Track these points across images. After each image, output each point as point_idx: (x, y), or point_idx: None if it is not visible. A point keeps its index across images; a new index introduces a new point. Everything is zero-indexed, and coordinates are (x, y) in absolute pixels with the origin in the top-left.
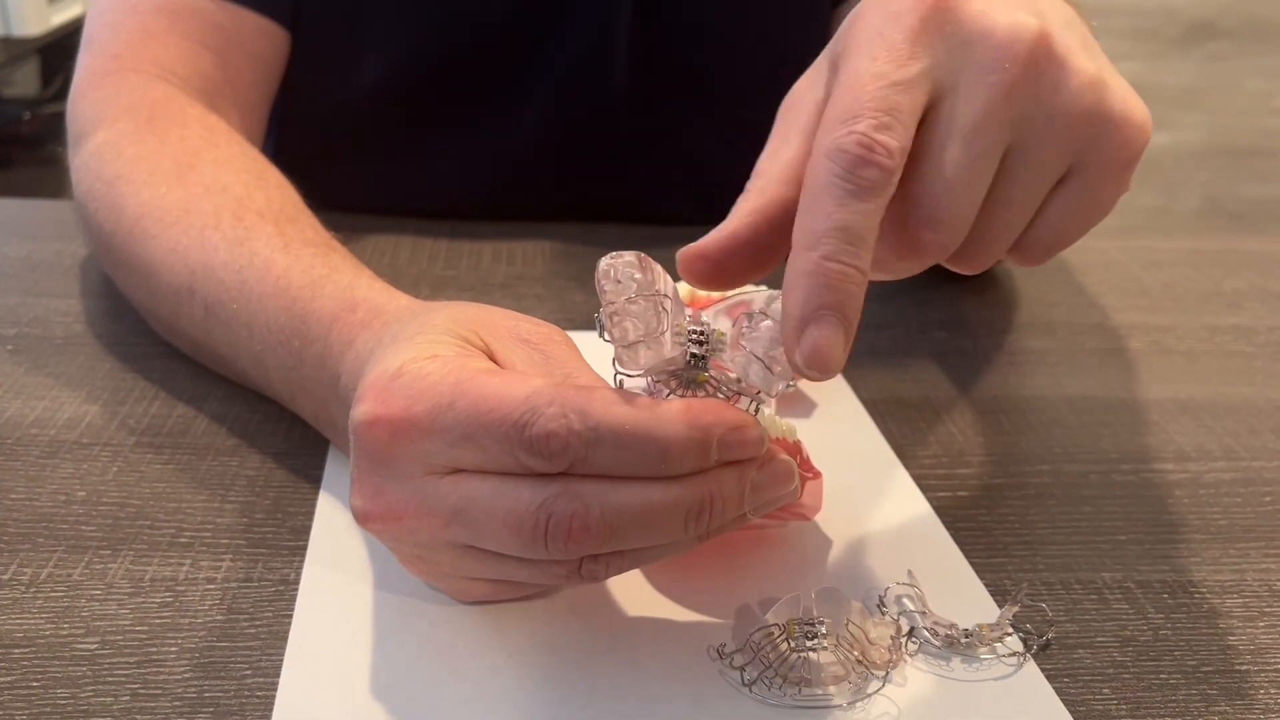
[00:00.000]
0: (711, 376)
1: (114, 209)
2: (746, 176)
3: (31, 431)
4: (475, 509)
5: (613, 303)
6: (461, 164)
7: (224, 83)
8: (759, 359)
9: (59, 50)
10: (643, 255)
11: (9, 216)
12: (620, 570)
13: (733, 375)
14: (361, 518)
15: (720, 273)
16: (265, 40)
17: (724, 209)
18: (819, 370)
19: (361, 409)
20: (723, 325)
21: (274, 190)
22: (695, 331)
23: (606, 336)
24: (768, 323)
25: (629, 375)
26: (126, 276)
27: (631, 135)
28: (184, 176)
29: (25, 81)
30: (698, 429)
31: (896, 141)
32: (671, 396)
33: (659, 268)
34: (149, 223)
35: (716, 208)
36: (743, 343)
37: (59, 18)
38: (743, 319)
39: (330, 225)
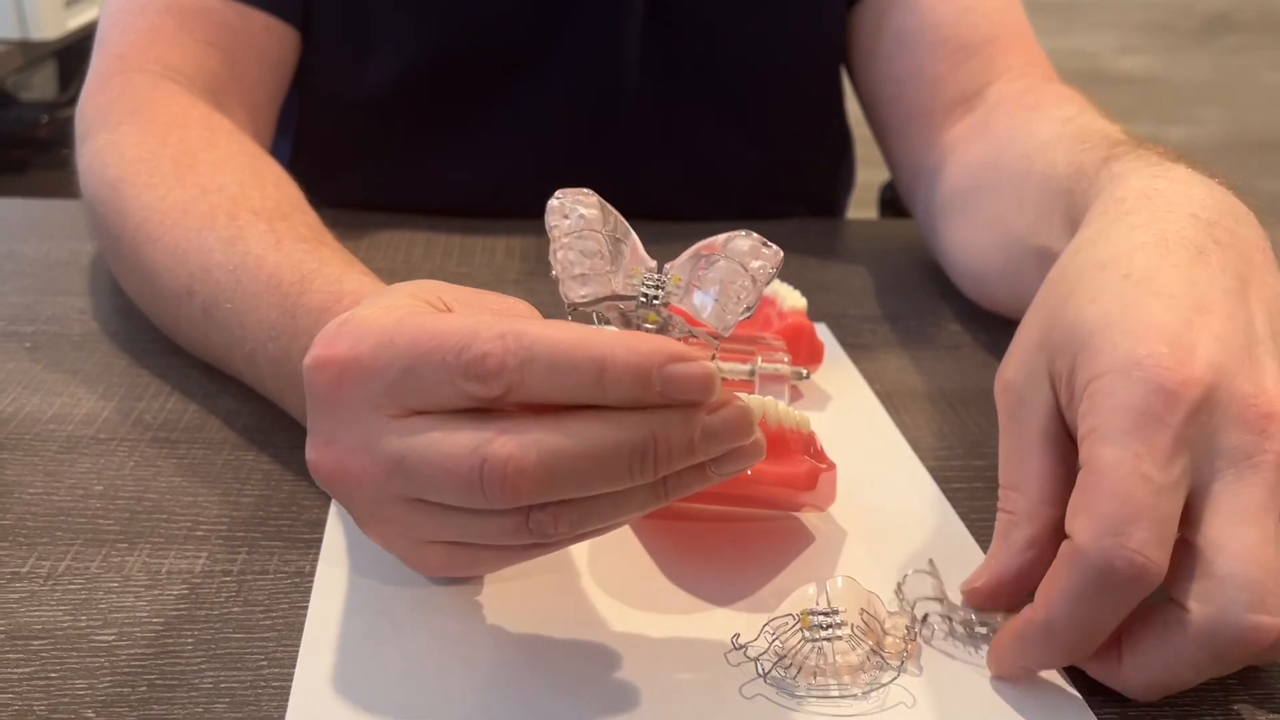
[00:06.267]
0: (665, 318)
1: (118, 213)
2: (757, 174)
3: (49, 427)
4: (414, 456)
5: (559, 235)
6: (474, 161)
7: (231, 81)
8: (711, 295)
9: (76, 54)
10: (596, 195)
11: (27, 217)
12: (573, 526)
13: (686, 320)
14: (314, 470)
15: (1000, 597)
16: (274, 39)
17: (734, 206)
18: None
19: (310, 354)
20: (686, 274)
21: (269, 188)
22: (651, 276)
23: (554, 270)
24: (722, 261)
25: (576, 304)
26: (130, 280)
27: (643, 132)
28: (183, 178)
29: (43, 85)
30: (636, 353)
31: (1166, 555)
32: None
33: (616, 212)
34: (150, 227)
35: (727, 204)
36: (695, 282)
37: (76, 21)
38: (700, 260)
39: (343, 223)
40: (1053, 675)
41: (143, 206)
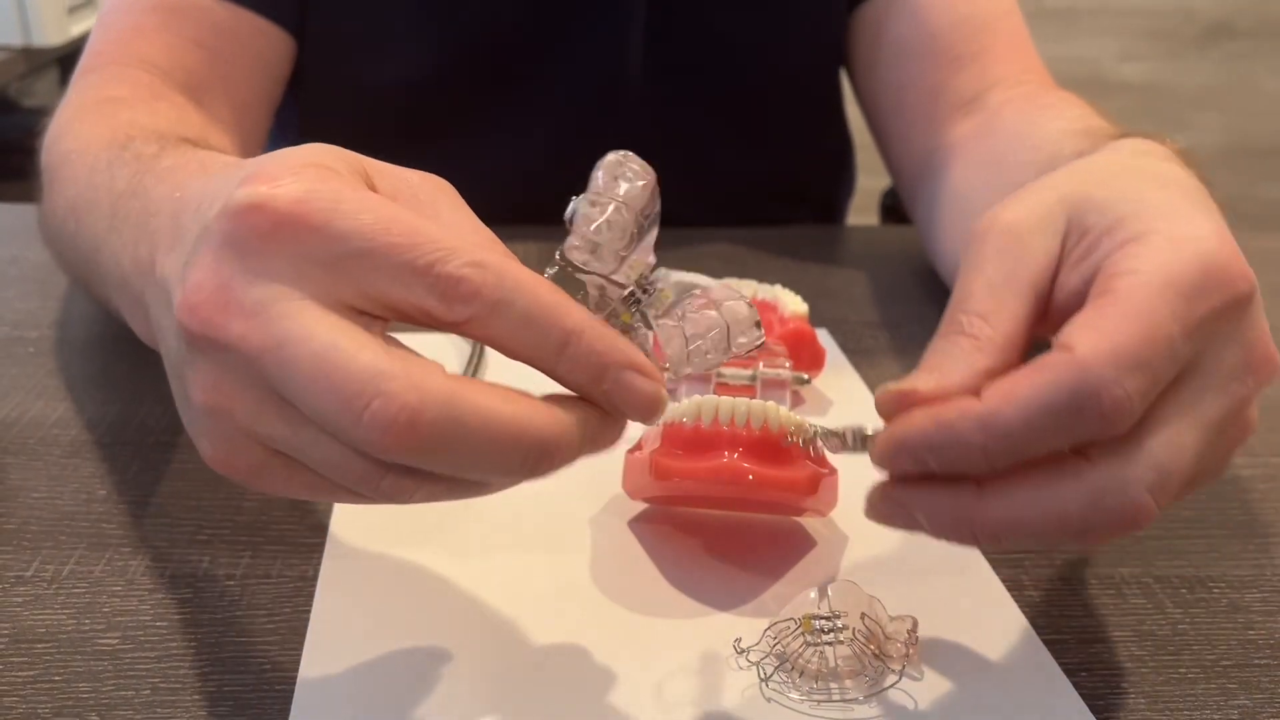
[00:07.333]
0: (635, 325)
1: (44, 184)
2: (759, 179)
3: (54, 431)
4: (303, 349)
5: (600, 194)
6: (475, 169)
7: (214, 80)
8: (685, 337)
9: (78, 60)
10: (655, 176)
11: (30, 222)
12: (428, 499)
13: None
14: (186, 309)
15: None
16: (265, 41)
17: (736, 211)
18: (878, 462)
19: (246, 190)
20: (673, 290)
21: (189, 126)
22: (646, 280)
23: (570, 218)
24: (714, 314)
25: (571, 263)
26: (51, 245)
27: (645, 139)
28: (98, 125)
29: (46, 91)
30: (604, 342)
31: (1142, 407)
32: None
33: (659, 200)
34: (58, 175)
35: (730, 210)
36: (677, 314)
37: (79, 28)
38: (693, 298)
39: None
40: (1054, 677)
41: (56, 156)
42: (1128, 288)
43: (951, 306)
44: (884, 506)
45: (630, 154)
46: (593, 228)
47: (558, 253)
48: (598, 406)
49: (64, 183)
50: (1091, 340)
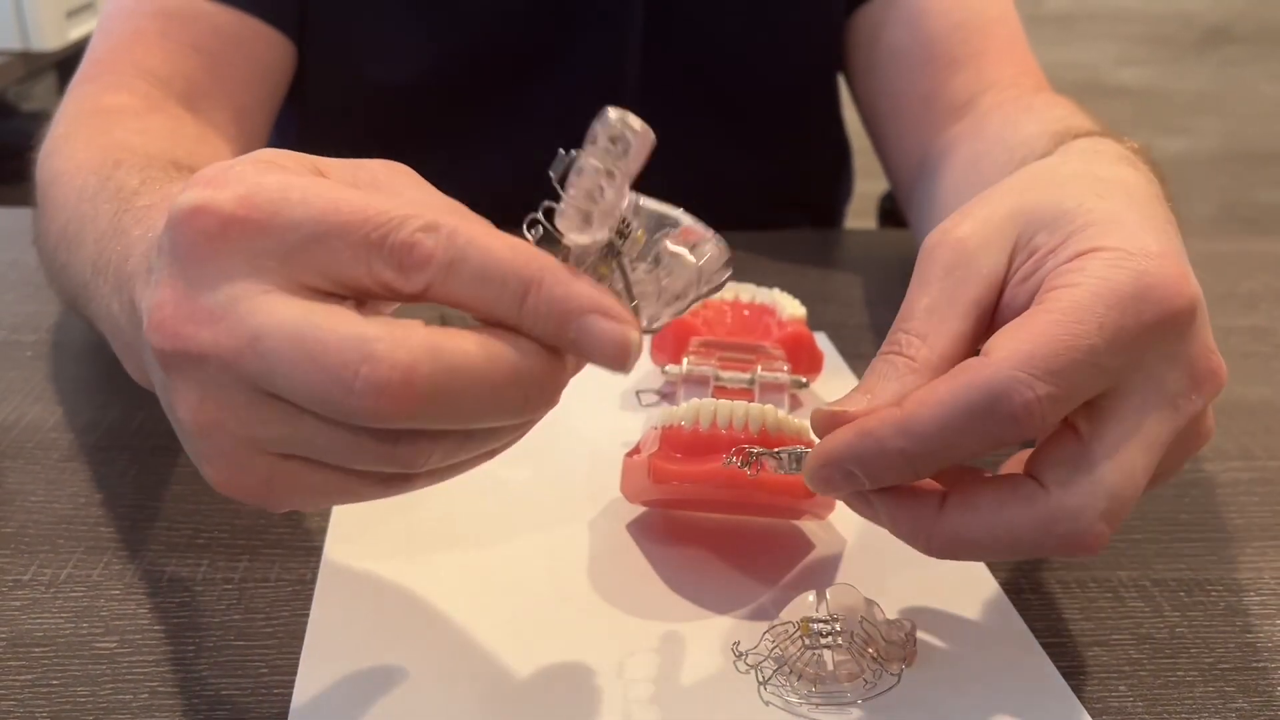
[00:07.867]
0: (611, 274)
1: (39, 200)
2: (757, 184)
3: (51, 436)
4: (281, 333)
5: (601, 158)
6: (475, 171)
7: (213, 86)
8: (659, 288)
9: (77, 65)
10: (652, 138)
11: (29, 226)
12: (446, 457)
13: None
14: (153, 327)
15: None
16: (264, 44)
17: (735, 216)
18: (811, 484)
19: (188, 195)
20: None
21: (182, 144)
22: (623, 223)
23: (555, 176)
24: (687, 258)
25: (570, 243)
26: (45, 267)
27: None
28: (89, 144)
29: (44, 96)
30: (566, 288)
31: (1053, 424)
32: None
33: (644, 158)
34: (49, 193)
35: (728, 215)
36: (651, 259)
37: (77, 32)
38: (669, 238)
39: None
40: (1053, 681)
41: (48, 173)
42: (1057, 299)
43: (895, 324)
44: (853, 497)
45: (630, 113)
46: (584, 200)
47: (541, 211)
48: None
49: (54, 206)
50: (1009, 346)
